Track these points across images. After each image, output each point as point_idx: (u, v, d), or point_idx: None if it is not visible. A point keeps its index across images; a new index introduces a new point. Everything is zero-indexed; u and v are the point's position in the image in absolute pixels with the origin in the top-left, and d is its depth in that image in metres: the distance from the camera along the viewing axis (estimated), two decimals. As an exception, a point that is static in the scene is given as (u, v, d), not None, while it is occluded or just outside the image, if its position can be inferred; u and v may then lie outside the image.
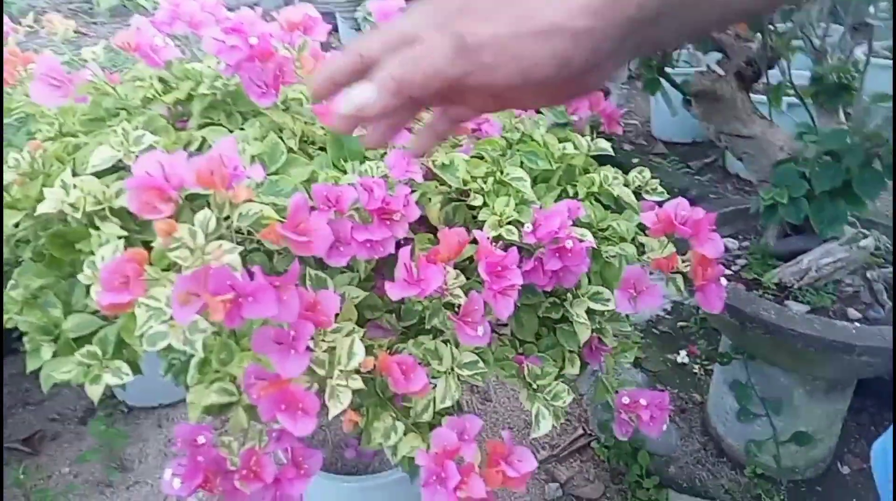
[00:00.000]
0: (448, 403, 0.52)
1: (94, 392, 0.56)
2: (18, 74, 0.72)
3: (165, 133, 0.55)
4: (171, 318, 0.44)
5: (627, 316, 0.69)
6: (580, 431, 1.47)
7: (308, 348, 0.43)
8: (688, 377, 1.62)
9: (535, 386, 0.61)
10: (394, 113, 0.31)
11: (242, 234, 0.43)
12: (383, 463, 1.07)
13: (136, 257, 0.39)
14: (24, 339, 0.61)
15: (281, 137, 0.61)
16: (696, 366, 1.65)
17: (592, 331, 0.64)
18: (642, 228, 0.68)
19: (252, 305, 0.38)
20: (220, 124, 0.60)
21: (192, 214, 0.42)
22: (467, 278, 0.55)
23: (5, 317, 0.62)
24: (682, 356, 1.67)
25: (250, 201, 0.42)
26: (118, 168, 0.56)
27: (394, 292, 0.46)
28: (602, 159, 0.76)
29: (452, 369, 0.53)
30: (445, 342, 0.57)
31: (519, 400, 1.43)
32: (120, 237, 0.51)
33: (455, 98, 0.32)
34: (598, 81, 0.31)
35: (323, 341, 0.47)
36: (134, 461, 1.39)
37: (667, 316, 1.84)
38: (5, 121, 0.75)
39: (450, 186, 0.62)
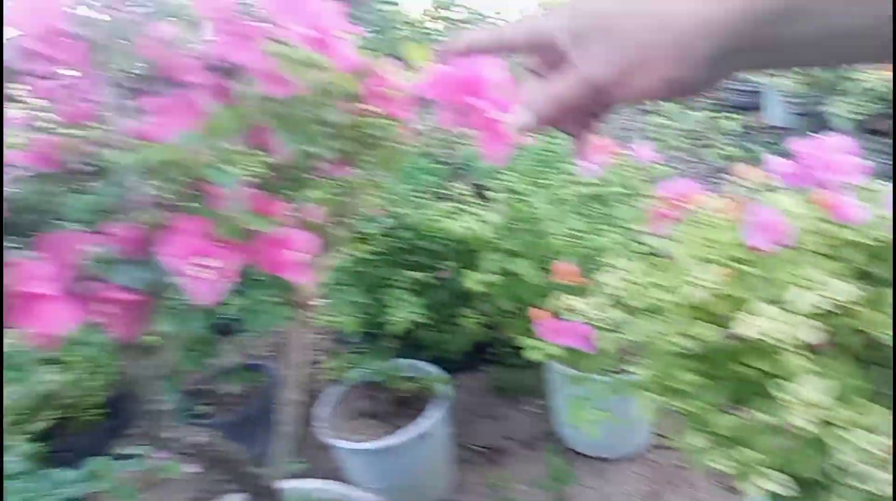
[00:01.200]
0: None
1: (741, 487, 0.66)
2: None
3: (853, 282, 0.63)
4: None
5: None
6: None
7: None
8: None
9: None
10: (555, 119, 0.38)
11: None
12: None
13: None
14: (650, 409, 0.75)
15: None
16: None
17: None
18: None
19: None
20: None
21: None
22: None
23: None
24: None
25: None
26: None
27: None
28: None
29: None
30: None
31: None
32: (811, 373, 0.61)
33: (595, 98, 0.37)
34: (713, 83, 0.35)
35: None
36: (572, 500, 1.57)
37: None
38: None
39: None
